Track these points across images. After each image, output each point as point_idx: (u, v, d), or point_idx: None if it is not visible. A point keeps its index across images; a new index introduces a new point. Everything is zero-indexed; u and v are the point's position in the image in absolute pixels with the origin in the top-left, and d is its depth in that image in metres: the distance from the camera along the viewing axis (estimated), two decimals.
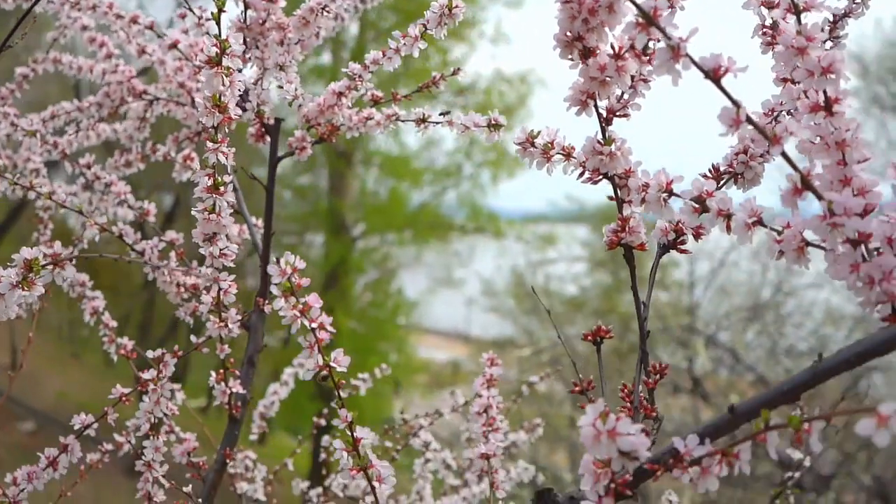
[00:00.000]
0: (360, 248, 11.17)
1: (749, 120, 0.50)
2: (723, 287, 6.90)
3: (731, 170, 0.67)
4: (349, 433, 0.64)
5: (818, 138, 0.54)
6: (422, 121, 0.93)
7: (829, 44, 0.72)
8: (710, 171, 0.68)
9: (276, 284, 0.60)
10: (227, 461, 0.98)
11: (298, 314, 0.61)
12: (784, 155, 0.50)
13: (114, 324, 1.08)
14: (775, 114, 0.68)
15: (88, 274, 1.14)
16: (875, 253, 0.52)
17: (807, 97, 0.54)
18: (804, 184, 0.51)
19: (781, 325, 6.39)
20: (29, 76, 1.30)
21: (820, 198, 0.51)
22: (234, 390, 0.96)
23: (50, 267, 0.65)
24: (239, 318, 0.90)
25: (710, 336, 6.07)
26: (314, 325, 0.61)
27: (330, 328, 0.62)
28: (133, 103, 1.20)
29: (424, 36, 0.87)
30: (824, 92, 0.53)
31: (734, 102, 0.50)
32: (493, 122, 0.83)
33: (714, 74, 0.50)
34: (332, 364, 0.62)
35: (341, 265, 10.43)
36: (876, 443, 0.40)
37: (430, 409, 1.36)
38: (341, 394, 0.63)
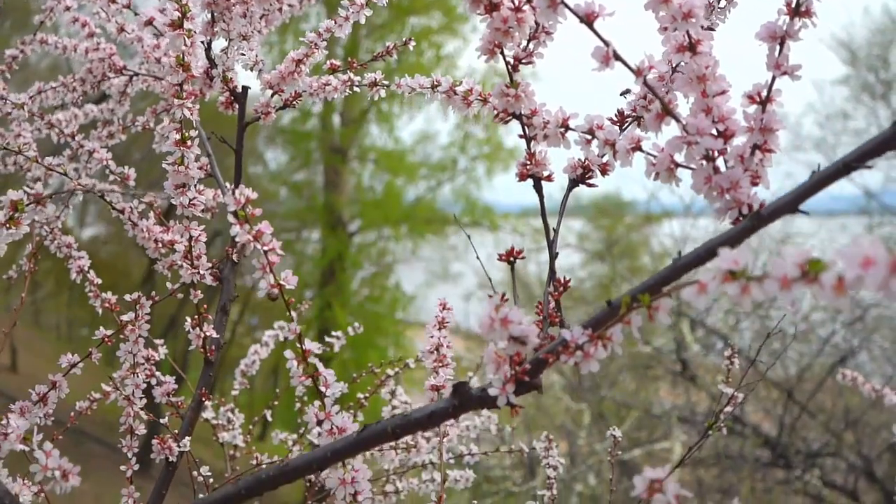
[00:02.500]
0: (357, 244, 11.27)
1: (616, 56, 0.59)
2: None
3: (633, 113, 0.77)
4: (298, 345, 0.73)
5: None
6: (373, 84, 1.03)
7: (722, 2, 0.81)
8: (615, 114, 0.77)
9: (231, 213, 0.69)
10: (203, 400, 1.07)
11: (252, 238, 0.70)
12: (647, 85, 0.60)
13: (98, 280, 1.17)
14: (673, 64, 0.77)
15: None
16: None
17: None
18: (665, 110, 0.60)
19: (768, 307, 6.49)
20: (18, 57, 1.39)
21: (678, 121, 0.60)
22: (207, 334, 1.05)
23: (33, 206, 0.74)
24: (209, 265, 0.99)
25: (694, 319, 6.17)
26: (266, 248, 0.71)
27: (280, 252, 0.71)
28: (114, 79, 1.29)
29: (370, 4, 0.96)
30: (687, 34, 0.62)
31: (605, 42, 0.59)
32: (434, 83, 0.92)
33: (588, 19, 0.59)
34: (282, 282, 0.72)
35: (338, 261, 10.53)
36: (696, 306, 0.49)
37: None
38: (293, 314, 0.73)
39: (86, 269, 1.19)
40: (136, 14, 1.17)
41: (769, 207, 0.56)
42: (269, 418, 1.46)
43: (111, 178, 1.17)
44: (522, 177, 0.72)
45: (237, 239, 0.70)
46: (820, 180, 0.55)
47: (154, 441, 1.03)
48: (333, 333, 1.48)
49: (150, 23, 1.12)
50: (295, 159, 11.48)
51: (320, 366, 0.74)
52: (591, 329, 0.60)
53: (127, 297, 0.98)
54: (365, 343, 9.52)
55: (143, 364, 1.03)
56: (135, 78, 1.28)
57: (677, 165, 0.63)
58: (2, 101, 1.21)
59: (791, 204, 0.56)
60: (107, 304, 1.14)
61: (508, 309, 0.59)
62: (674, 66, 0.68)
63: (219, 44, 1.11)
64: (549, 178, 0.73)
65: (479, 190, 11.48)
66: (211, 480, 1.05)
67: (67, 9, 1.28)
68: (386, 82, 1.02)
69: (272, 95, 1.07)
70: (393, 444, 1.17)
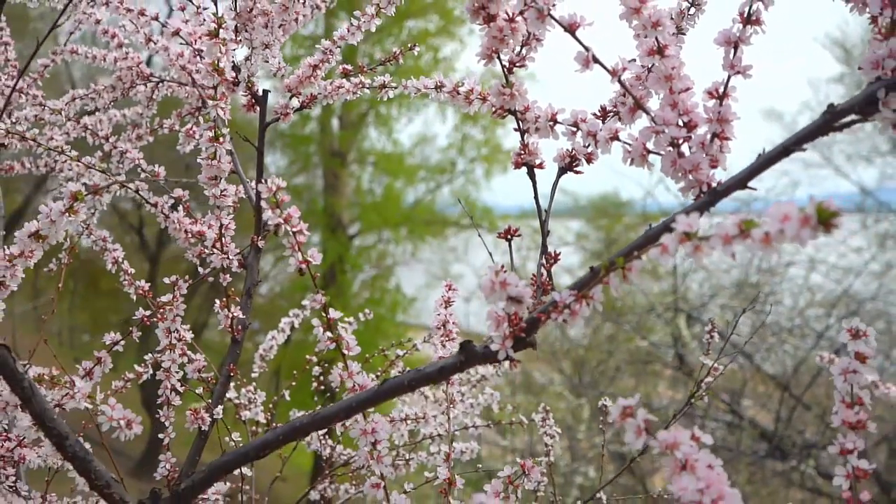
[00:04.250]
0: (357, 246, 11.37)
1: (595, 59, 0.70)
2: (706, 267, 7.11)
3: (613, 109, 0.87)
4: (324, 314, 0.84)
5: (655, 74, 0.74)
6: (382, 86, 1.14)
7: (692, 9, 0.92)
8: (598, 110, 0.88)
9: (264, 199, 0.80)
10: (231, 375, 1.18)
11: (283, 221, 0.81)
12: (621, 83, 0.71)
13: (132, 270, 1.28)
14: (646, 65, 0.88)
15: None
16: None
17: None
18: (636, 104, 0.71)
19: (763, 302, 6.61)
20: (49, 66, 1.50)
21: (648, 114, 0.71)
22: (235, 315, 1.16)
23: (90, 196, 0.84)
24: (238, 251, 1.10)
25: (690, 314, 6.28)
26: (295, 229, 0.81)
27: (306, 232, 0.82)
28: (141, 85, 1.40)
29: (379, 13, 1.07)
30: (656, 40, 0.73)
31: (585, 48, 0.70)
32: (438, 84, 1.03)
33: (571, 28, 0.70)
34: (309, 259, 0.82)
35: (338, 263, 10.63)
36: (669, 260, 0.60)
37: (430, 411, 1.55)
38: (316, 283, 0.83)
39: (120, 259, 1.30)
40: (163, 26, 1.28)
41: (723, 185, 0.67)
42: (288, 398, 1.57)
43: (142, 175, 1.28)
44: (517, 165, 0.83)
45: (269, 221, 0.81)
46: (764, 161, 0.65)
47: (188, 412, 1.14)
48: (345, 319, 1.58)
49: (176, 33, 1.23)
50: (294, 163, 11.59)
51: (342, 331, 0.84)
52: (577, 290, 0.71)
53: (166, 280, 1.09)
54: (366, 344, 9.59)
55: (177, 343, 1.14)
56: (160, 84, 1.39)
57: (649, 152, 0.74)
58: (41, 108, 1.32)
59: (741, 182, 0.67)
60: (140, 292, 1.25)
61: (507, 274, 0.70)
62: (648, 67, 0.79)
63: (239, 51, 1.22)
64: (540, 166, 0.84)
65: (478, 192, 11.59)
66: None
67: (98, 21, 1.39)
68: (394, 84, 1.13)
69: (290, 98, 1.18)
70: (404, 416, 1.28)
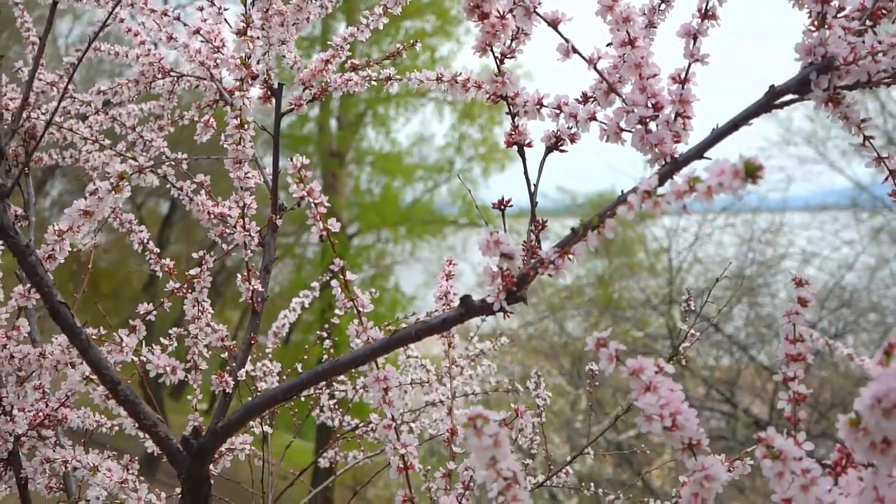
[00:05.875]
0: (356, 246, 11.49)
1: (574, 50, 0.81)
2: (701, 261, 7.25)
3: (593, 95, 0.99)
4: (342, 276, 0.96)
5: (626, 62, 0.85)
6: (388, 79, 1.25)
7: (663, 6, 1.04)
8: (581, 95, 1.00)
9: (290, 175, 0.92)
10: (252, 343, 1.29)
11: (306, 194, 0.93)
12: (597, 70, 0.82)
13: (157, 250, 1.39)
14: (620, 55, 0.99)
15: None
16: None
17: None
18: (610, 89, 0.83)
19: (756, 295, 6.74)
20: (76, 64, 1.61)
21: (620, 96, 0.83)
22: (255, 288, 1.27)
23: (136, 174, 0.96)
24: (258, 229, 1.21)
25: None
26: (317, 201, 0.93)
27: (326, 204, 0.94)
28: (162, 80, 1.51)
29: (386, 13, 1.19)
30: (628, 32, 0.85)
31: (565, 40, 0.82)
32: (439, 76, 1.15)
33: (554, 23, 0.82)
34: (329, 227, 0.94)
35: None
36: (629, 217, 0.71)
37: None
38: (335, 248, 0.95)
39: (146, 241, 1.42)
40: (185, 25, 1.40)
41: (682, 156, 0.79)
42: (301, 371, 1.69)
43: (166, 162, 1.40)
44: (509, 144, 0.95)
45: (294, 194, 0.93)
46: (717, 135, 0.77)
47: (213, 377, 1.26)
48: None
49: (197, 31, 1.35)
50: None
51: (358, 292, 0.96)
52: (560, 248, 0.82)
53: (194, 254, 1.20)
54: None
55: (202, 314, 1.25)
56: (181, 79, 1.50)
57: (621, 129, 0.85)
58: (71, 100, 1.44)
59: (698, 153, 0.78)
60: (166, 269, 1.36)
61: (500, 234, 0.81)
62: (621, 56, 0.91)
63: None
64: (529, 145, 0.95)
65: (476, 190, 11.71)
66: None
67: (121, 21, 1.50)
68: (399, 77, 1.25)
69: (304, 90, 1.29)
70: (410, 381, 1.39)
